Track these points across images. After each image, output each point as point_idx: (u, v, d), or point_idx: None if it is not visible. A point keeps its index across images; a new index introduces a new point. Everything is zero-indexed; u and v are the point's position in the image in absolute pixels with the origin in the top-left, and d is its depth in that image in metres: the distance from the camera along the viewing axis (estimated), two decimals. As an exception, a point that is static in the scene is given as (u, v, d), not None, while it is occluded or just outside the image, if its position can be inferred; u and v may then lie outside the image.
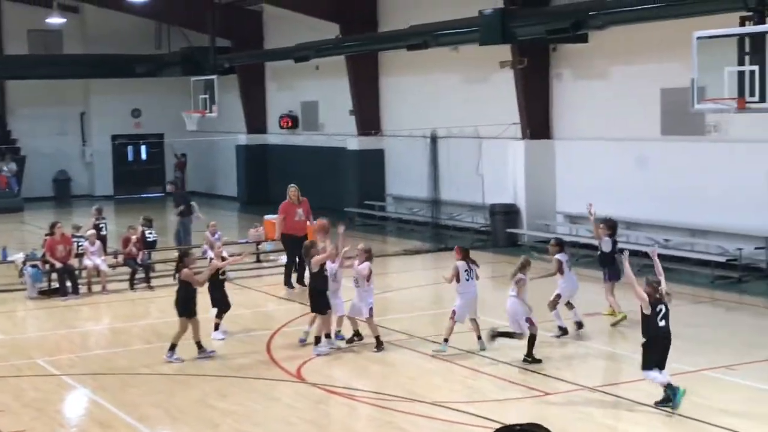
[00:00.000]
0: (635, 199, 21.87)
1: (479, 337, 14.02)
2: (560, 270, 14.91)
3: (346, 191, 30.00)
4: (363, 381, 12.73)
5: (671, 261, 20.39)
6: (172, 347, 13.82)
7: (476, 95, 26.11)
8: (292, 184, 19.74)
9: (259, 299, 18.46)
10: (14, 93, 38.48)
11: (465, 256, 14.09)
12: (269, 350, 14.44)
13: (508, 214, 24.24)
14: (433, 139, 27.20)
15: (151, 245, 21.25)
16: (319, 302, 14.07)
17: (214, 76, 29.44)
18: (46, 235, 19.93)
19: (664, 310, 10.88)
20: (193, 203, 23.41)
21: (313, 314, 14.27)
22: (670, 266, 20.23)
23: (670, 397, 10.85)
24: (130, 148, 40.50)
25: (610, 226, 16.04)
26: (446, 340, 13.86)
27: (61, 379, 13.17)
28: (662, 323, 10.85)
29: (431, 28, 24.22)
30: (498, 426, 10.37)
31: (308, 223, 19.14)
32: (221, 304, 15.19)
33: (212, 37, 31.52)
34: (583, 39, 22.17)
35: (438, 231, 26.26)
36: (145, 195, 39.45)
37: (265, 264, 22.39)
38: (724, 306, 17.29)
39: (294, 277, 19.20)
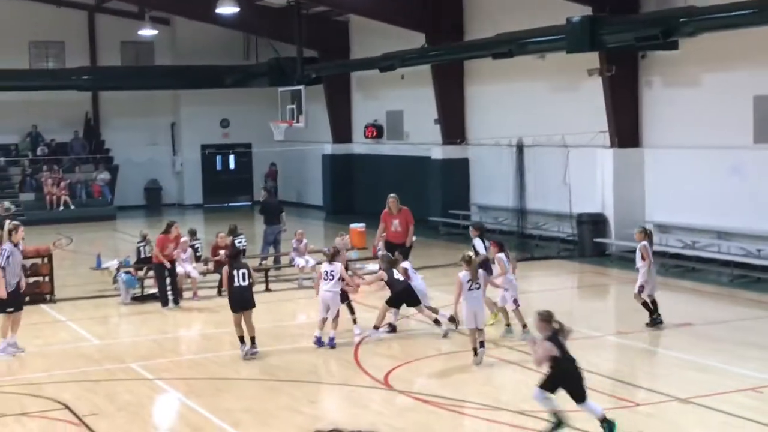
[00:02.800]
0: (727, 209, 21.45)
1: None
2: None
3: (431, 200, 30.03)
4: (449, 389, 12.72)
5: (764, 271, 19.99)
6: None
7: (563, 103, 25.92)
8: (392, 194, 19.97)
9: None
10: (107, 104, 39.41)
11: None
12: (357, 357, 14.53)
13: (595, 223, 23.99)
14: (519, 148, 27.08)
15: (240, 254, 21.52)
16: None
17: (301, 87, 29.76)
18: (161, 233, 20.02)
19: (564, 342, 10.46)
20: (282, 214, 23.59)
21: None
22: (763, 276, 19.85)
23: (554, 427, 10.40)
24: (218, 158, 41.12)
25: (480, 227, 17.25)
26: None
27: (154, 383, 13.44)
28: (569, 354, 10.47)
29: (517, 36, 24.14)
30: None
31: (407, 232, 19.54)
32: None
33: (299, 47, 31.86)
34: (674, 46, 21.83)
35: (523, 240, 26.12)
36: (233, 204, 40.04)
37: (349, 272, 22.51)
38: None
39: None
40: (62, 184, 35.61)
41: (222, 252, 20.24)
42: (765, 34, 18.77)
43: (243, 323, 14.47)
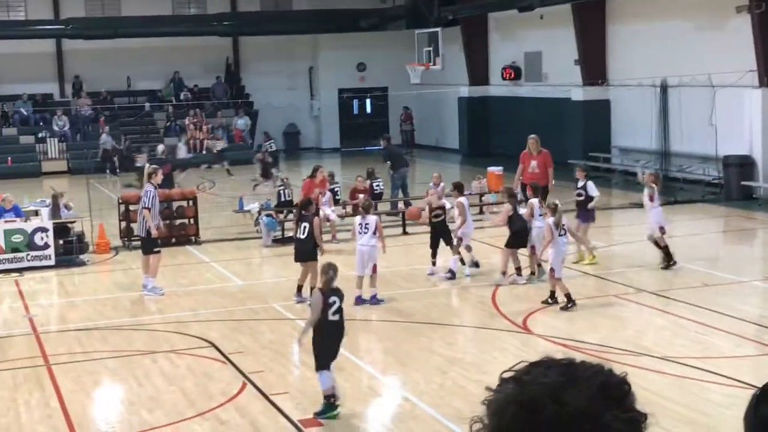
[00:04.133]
0: None
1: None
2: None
3: (570, 143, 29.54)
4: (589, 334, 12.58)
5: None
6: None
7: (709, 42, 24.99)
8: (532, 135, 19.71)
9: (483, 251, 18.51)
10: (247, 49, 40.00)
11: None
12: (494, 301, 14.50)
13: (742, 166, 23.20)
14: (663, 89, 26.29)
15: (378, 197, 21.70)
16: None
17: (437, 29, 29.55)
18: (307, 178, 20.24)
19: (337, 303, 9.80)
20: (406, 157, 23.56)
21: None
22: None
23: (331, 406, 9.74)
24: (355, 102, 41.31)
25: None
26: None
27: (296, 323, 13.69)
28: (335, 317, 9.79)
29: (662, -27, 23.34)
30: (731, 381, 10.07)
31: (545, 175, 19.13)
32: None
33: (436, -11, 31.60)
34: (829, -21, 20.78)
35: (666, 183, 25.35)
36: (369, 148, 40.23)
37: (488, 215, 22.44)
38: None
39: None
40: (205, 128, 36.43)
41: (360, 196, 20.43)
42: None
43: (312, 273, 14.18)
